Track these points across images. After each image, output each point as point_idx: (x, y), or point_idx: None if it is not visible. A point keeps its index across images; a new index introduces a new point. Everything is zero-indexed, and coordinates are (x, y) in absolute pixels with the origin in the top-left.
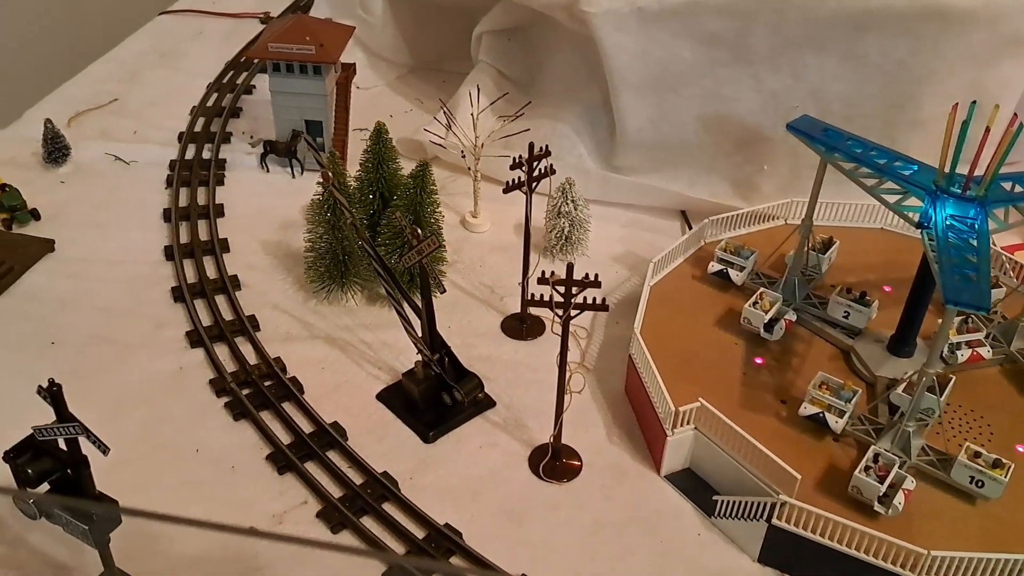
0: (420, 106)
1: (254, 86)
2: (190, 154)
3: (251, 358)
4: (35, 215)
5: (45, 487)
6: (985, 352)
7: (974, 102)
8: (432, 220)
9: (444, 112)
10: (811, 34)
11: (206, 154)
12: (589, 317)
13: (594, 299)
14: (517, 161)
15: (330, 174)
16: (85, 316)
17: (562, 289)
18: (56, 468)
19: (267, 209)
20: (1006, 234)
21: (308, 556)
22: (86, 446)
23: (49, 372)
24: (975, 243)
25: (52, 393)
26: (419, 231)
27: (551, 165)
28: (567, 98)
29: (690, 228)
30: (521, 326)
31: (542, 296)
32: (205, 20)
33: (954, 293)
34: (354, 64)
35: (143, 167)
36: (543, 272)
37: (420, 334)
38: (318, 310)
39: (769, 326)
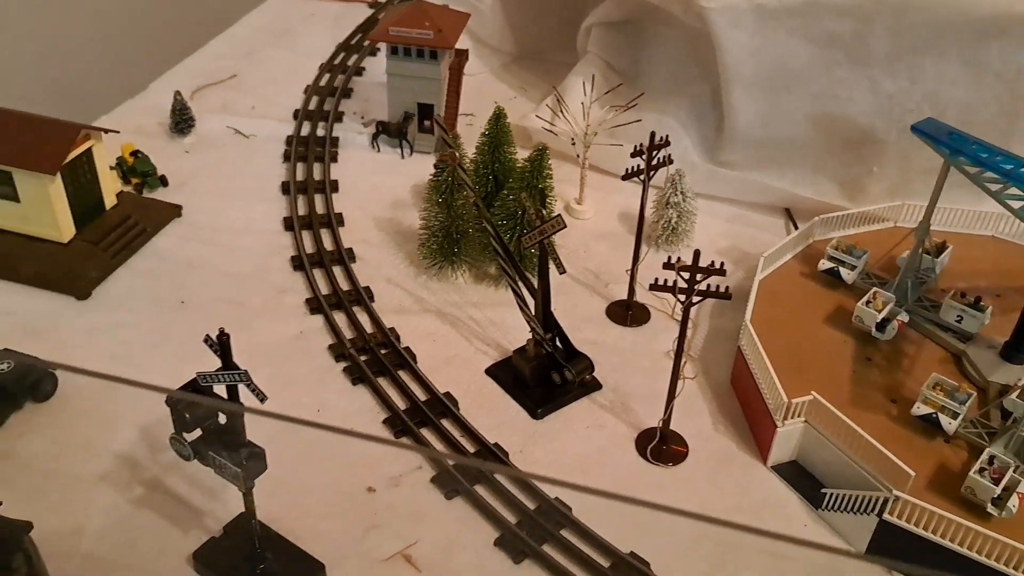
0: (524, 94)
1: (364, 68)
2: (304, 131)
3: (367, 327)
4: (164, 181)
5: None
6: None
7: None
8: (546, 204)
9: (556, 99)
10: (931, 38)
11: (320, 131)
12: (694, 307)
13: (717, 287)
14: (638, 149)
15: (456, 154)
16: (212, 279)
17: (686, 275)
18: (211, 414)
19: (378, 187)
20: None
21: (425, 515)
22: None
23: (181, 329)
24: None
25: (221, 342)
26: (543, 212)
27: (669, 155)
28: (675, 91)
29: (795, 226)
30: (626, 312)
31: (666, 281)
32: (316, 3)
33: None
34: (467, 50)
35: (261, 141)
36: (666, 259)
37: (534, 313)
38: (428, 285)
39: (881, 326)
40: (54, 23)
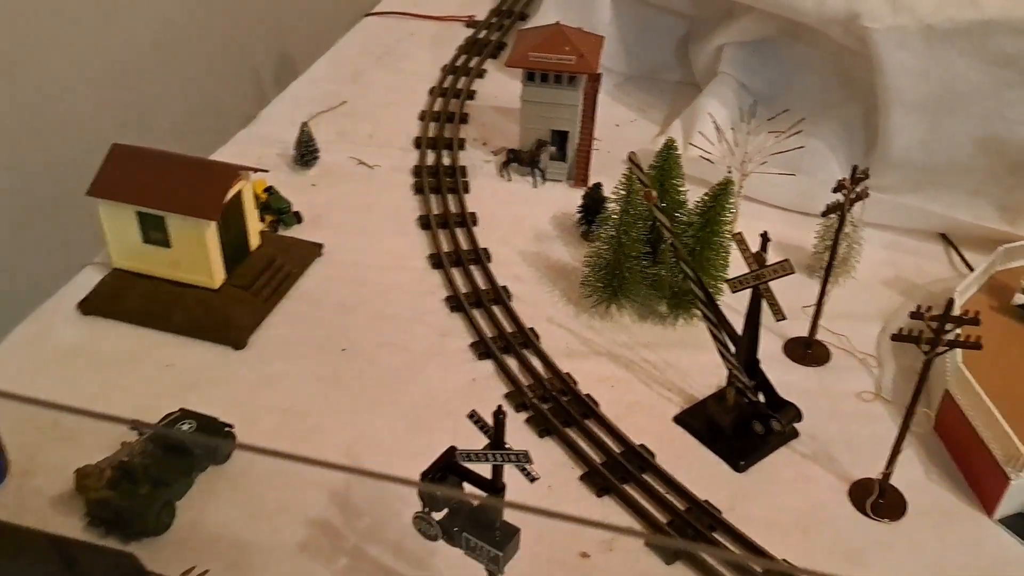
0: (643, 115)
1: (475, 91)
2: (429, 159)
3: (541, 371)
4: (298, 218)
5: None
6: None
7: None
8: (722, 240)
9: (714, 125)
10: None
11: (445, 160)
12: (874, 343)
13: (966, 337)
14: (841, 184)
15: (654, 193)
16: (369, 322)
17: (935, 324)
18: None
19: (517, 219)
20: None
21: None
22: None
23: (349, 378)
24: None
25: (498, 421)
26: (763, 254)
27: (867, 188)
28: (821, 114)
29: (957, 252)
30: (806, 352)
31: (911, 331)
32: (411, 22)
33: None
34: (600, 74)
35: (387, 171)
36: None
37: (736, 360)
38: (592, 325)
39: None
40: (154, 57)
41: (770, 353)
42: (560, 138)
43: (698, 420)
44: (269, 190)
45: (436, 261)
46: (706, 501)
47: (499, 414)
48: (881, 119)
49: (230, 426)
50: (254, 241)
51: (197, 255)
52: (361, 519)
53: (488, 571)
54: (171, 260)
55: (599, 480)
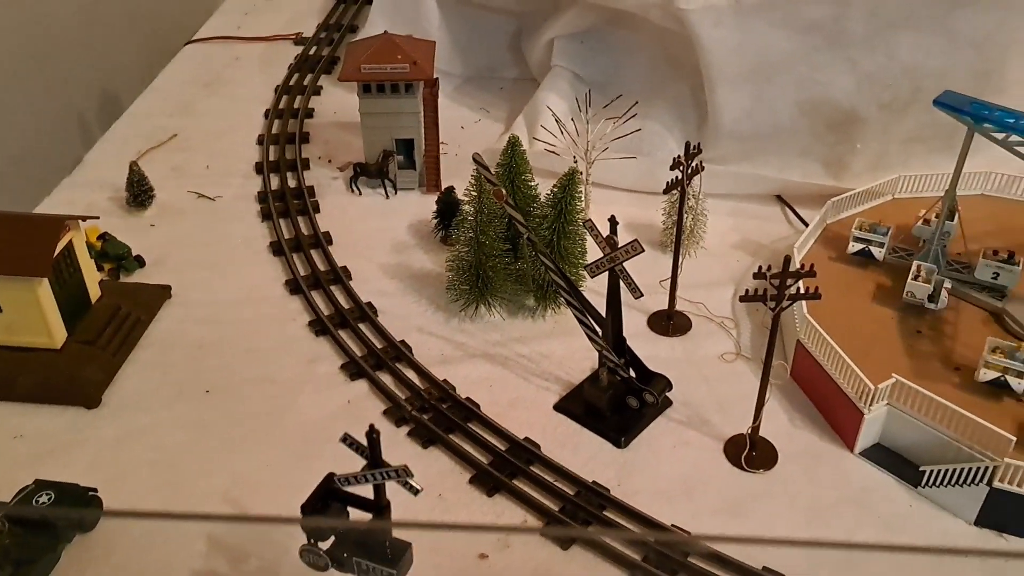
0: (486, 115)
1: (313, 109)
2: (274, 184)
3: (418, 383)
4: (140, 262)
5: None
6: None
7: None
8: (576, 229)
9: (554, 118)
10: (907, 13)
11: (291, 182)
12: (729, 306)
13: (806, 288)
14: (677, 160)
15: (503, 191)
16: (230, 359)
17: (776, 281)
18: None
19: (373, 233)
20: None
21: (549, 571)
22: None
23: (216, 420)
24: None
25: (371, 440)
26: (614, 237)
27: (701, 162)
28: (652, 95)
29: (793, 211)
30: (668, 323)
31: (749, 291)
32: (236, 46)
33: None
34: (437, 79)
35: (230, 202)
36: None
37: (604, 341)
38: (464, 328)
39: (933, 297)
40: None
41: (636, 329)
42: (406, 146)
43: (576, 405)
44: (104, 236)
45: (294, 287)
46: (594, 482)
47: (372, 433)
48: (708, 95)
49: (94, 490)
50: (94, 292)
51: (32, 316)
52: (248, 562)
53: None
54: (4, 325)
55: (488, 480)
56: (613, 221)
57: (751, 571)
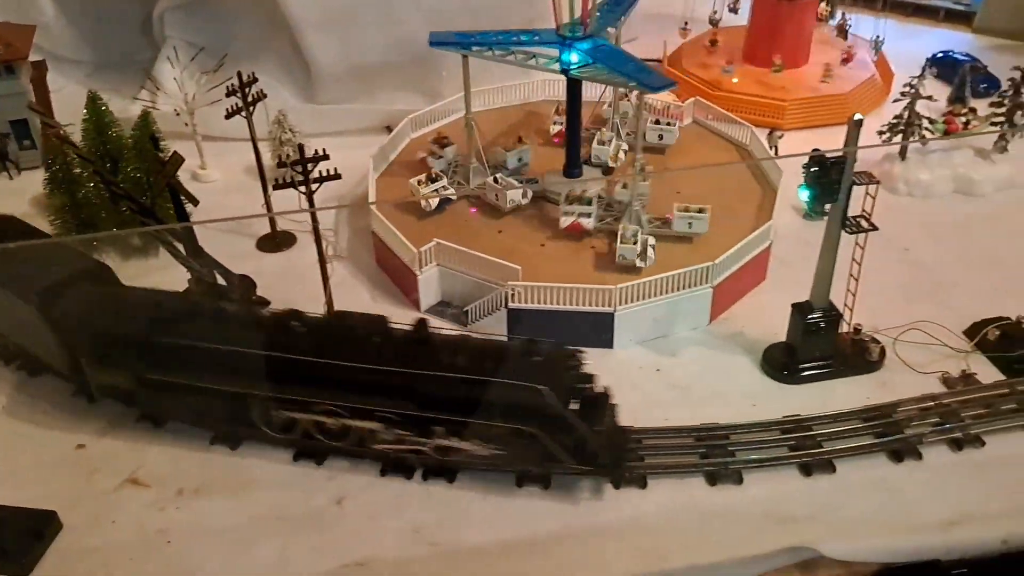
0: (119, 95)
1: None
2: None
3: None
4: None
5: None
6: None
7: None
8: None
9: (150, 80)
10: None
11: None
12: (332, 217)
13: (328, 171)
14: (231, 88)
15: (63, 130)
16: None
17: (300, 168)
18: None
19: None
20: None
21: (136, 445)
22: None
23: None
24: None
25: None
26: (160, 156)
27: (261, 90)
28: (258, 50)
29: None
30: (274, 242)
31: (284, 179)
32: None
33: (652, 79)
34: (43, 60)
35: None
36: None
37: (185, 252)
38: None
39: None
40: None
41: (245, 251)
42: (23, 128)
43: None
44: None
45: None
46: None
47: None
48: (301, 42)
49: None
50: None
51: None
52: None
53: None
54: None
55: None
56: (155, 141)
57: None
